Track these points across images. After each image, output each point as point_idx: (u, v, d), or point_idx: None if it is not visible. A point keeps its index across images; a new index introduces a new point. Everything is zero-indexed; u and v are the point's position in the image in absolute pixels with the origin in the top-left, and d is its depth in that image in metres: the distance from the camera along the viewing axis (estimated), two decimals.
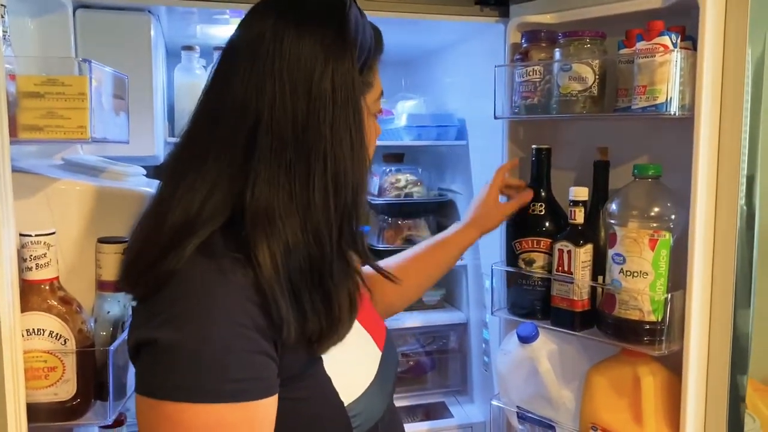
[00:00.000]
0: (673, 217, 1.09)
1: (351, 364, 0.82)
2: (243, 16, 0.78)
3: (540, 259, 1.25)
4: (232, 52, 0.77)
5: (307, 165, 0.72)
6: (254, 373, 0.68)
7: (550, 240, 1.24)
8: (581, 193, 1.18)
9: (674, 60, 1.03)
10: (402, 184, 1.80)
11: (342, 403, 0.77)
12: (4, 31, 0.80)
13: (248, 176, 0.71)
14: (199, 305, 0.67)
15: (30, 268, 0.88)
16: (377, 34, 0.84)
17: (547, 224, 1.26)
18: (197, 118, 0.77)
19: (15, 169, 0.80)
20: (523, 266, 1.27)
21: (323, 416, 0.77)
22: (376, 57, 0.83)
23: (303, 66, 0.72)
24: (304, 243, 0.72)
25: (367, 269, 1.16)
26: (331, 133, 0.72)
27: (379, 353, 0.89)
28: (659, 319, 1.09)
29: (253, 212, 0.71)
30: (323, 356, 0.77)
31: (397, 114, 1.79)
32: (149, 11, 1.29)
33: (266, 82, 0.72)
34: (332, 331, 0.74)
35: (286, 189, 0.71)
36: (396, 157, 1.83)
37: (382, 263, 1.20)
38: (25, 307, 0.86)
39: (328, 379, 0.77)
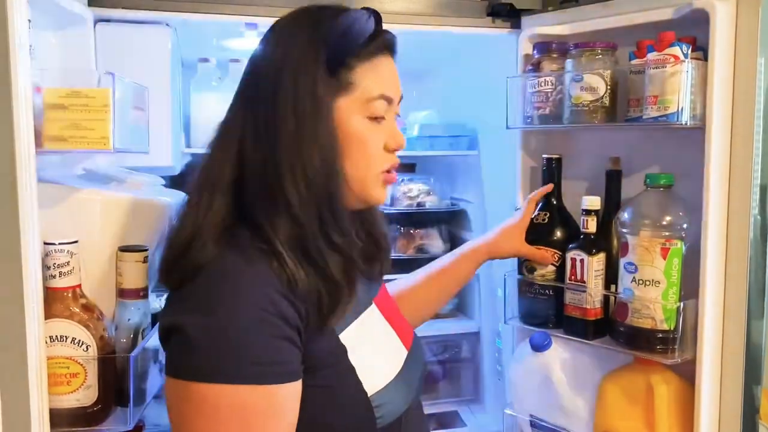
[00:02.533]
0: (685, 225, 1.10)
1: (375, 357, 0.84)
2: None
3: (540, 268, 1.26)
4: None
5: (277, 159, 0.77)
6: (276, 357, 0.72)
7: (551, 249, 1.24)
8: (593, 202, 1.19)
9: (685, 70, 1.04)
10: (414, 193, 1.81)
11: (366, 393, 0.80)
12: (30, 46, 0.82)
13: (241, 168, 0.79)
14: (224, 292, 0.72)
15: (53, 276, 0.90)
16: (376, 37, 0.83)
17: (549, 233, 1.26)
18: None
19: (39, 180, 0.82)
20: (526, 273, 1.28)
21: (347, 405, 0.80)
22: (365, 58, 0.83)
23: (273, 64, 0.80)
24: (289, 225, 0.77)
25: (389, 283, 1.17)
26: (296, 128, 0.77)
27: (405, 352, 0.91)
28: (672, 328, 1.09)
29: (250, 199, 0.78)
30: (348, 346, 0.80)
31: (410, 124, 1.80)
32: (167, 24, 1.31)
33: (248, 84, 0.82)
34: (334, 304, 0.77)
35: (265, 179, 0.77)
36: (408, 166, 1.85)
37: (398, 281, 1.24)
38: (48, 314, 0.88)
39: (353, 369, 0.80)
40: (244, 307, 0.71)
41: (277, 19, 0.86)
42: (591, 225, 1.19)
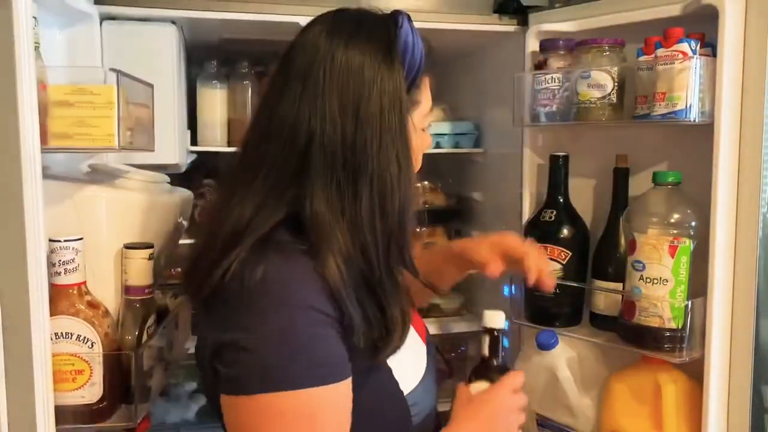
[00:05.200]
0: (693, 224, 1.09)
1: (407, 356, 0.84)
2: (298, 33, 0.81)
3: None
4: (285, 69, 0.79)
5: (355, 185, 0.74)
6: (333, 355, 0.72)
7: (558, 247, 1.24)
8: (493, 319, 0.97)
9: (693, 67, 1.03)
10: (420, 191, 1.80)
11: (402, 392, 0.80)
12: (36, 43, 0.82)
13: (303, 190, 0.74)
14: (273, 299, 0.71)
15: (58, 273, 0.89)
16: (426, 49, 0.83)
17: (555, 232, 1.26)
18: (252, 132, 0.80)
19: (45, 177, 0.82)
20: None
21: (385, 405, 0.80)
22: (424, 75, 0.83)
23: (352, 87, 0.74)
24: (354, 259, 0.74)
25: None
26: (378, 155, 0.74)
27: (424, 347, 0.92)
28: (680, 326, 1.09)
29: (311, 225, 0.74)
30: None
31: None
32: (172, 22, 1.31)
33: (317, 102, 0.74)
34: (388, 343, 0.77)
35: (337, 207, 0.74)
36: None
37: None
38: (53, 311, 0.87)
39: (389, 370, 0.80)
40: (295, 310, 0.70)
41: (324, 23, 0.79)
42: (484, 346, 0.98)
